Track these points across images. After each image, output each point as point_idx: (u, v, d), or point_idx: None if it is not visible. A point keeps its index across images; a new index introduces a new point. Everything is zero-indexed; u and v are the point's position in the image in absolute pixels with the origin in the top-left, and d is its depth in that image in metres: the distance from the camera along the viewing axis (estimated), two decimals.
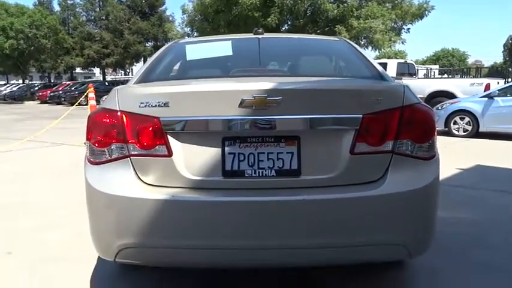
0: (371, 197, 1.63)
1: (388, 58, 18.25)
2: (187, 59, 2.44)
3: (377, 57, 19.81)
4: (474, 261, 2.46)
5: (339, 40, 2.74)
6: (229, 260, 1.71)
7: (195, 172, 1.66)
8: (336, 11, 15.72)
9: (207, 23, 19.21)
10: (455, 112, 8.78)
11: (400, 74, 12.17)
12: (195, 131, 1.67)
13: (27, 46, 28.17)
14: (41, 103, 26.55)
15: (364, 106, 1.67)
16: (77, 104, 10.52)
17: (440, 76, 20.87)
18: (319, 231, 1.63)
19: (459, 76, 19.60)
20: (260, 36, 2.65)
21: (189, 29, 21.58)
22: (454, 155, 6.05)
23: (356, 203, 1.63)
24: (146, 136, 1.67)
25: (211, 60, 2.41)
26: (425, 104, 1.81)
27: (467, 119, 8.62)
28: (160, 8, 35.42)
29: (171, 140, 1.66)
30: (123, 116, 1.69)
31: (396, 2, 17.08)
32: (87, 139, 1.79)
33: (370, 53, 14.23)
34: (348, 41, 2.72)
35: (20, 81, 39.89)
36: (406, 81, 10.92)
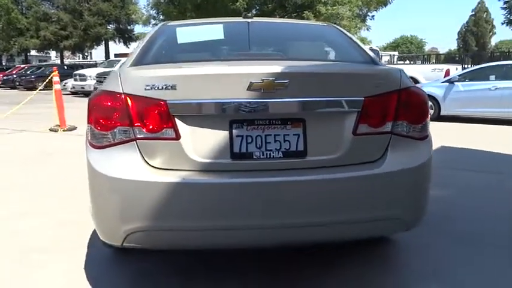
0: (373, 176, 1.72)
1: None
2: (179, 42, 2.41)
3: None
4: (449, 231, 2.70)
5: (328, 26, 2.80)
6: (238, 241, 1.75)
7: (203, 155, 1.67)
8: None
9: (173, 6, 18.75)
10: None
11: None
12: (203, 114, 1.68)
13: None
14: None
15: (365, 89, 1.75)
16: (41, 87, 10.04)
17: (402, 62, 21.60)
18: (325, 209, 1.70)
19: (420, 62, 20.34)
20: (250, 20, 2.66)
21: (154, 11, 20.97)
22: None
23: (360, 181, 1.71)
24: (153, 119, 1.66)
25: (207, 43, 2.40)
26: (419, 88, 1.91)
27: (429, 103, 9.01)
28: None
29: (179, 123, 1.66)
30: (128, 98, 1.67)
31: None
32: (89, 122, 1.75)
33: None
34: (337, 26, 2.79)
35: None
36: None
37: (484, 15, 53.04)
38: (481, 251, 2.42)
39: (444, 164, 4.50)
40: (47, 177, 4.20)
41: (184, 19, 18.93)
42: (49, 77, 8.59)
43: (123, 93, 1.68)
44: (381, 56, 16.80)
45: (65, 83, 17.14)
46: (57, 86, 7.80)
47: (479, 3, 53.11)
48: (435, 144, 2.00)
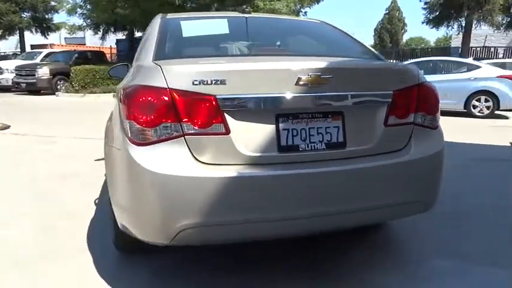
0: (403, 163, 1.88)
1: None
2: (188, 35, 2.36)
3: None
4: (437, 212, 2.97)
5: (321, 22, 2.92)
6: (286, 231, 1.81)
7: (252, 149, 1.70)
8: None
9: None
10: None
11: None
12: (251, 109, 1.70)
13: None
14: None
15: (393, 83, 1.90)
16: None
17: None
18: (363, 196, 1.82)
19: None
20: (247, 15, 2.68)
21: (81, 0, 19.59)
22: None
23: (392, 168, 1.86)
24: (202, 114, 1.65)
25: (225, 37, 2.40)
26: (430, 82, 2.11)
27: None
28: None
29: (228, 118, 1.67)
30: (174, 94, 1.64)
31: None
32: (128, 119, 1.68)
33: None
34: (328, 23, 2.92)
35: None
36: None
37: (397, 14, 57.10)
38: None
39: None
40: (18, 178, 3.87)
41: (114, 9, 17.96)
42: None
43: (169, 88, 1.64)
44: None
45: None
46: None
47: (392, 2, 57.05)
48: None
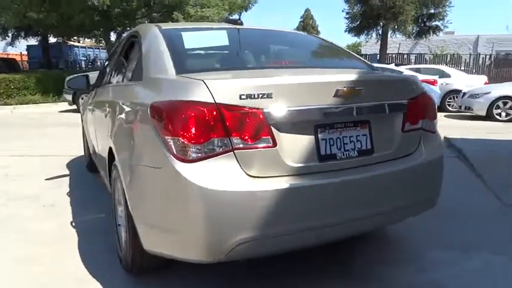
0: (418, 165, 2.05)
1: None
2: (192, 46, 2.32)
3: None
4: None
5: (306, 34, 3.04)
6: (331, 236, 1.87)
7: (295, 159, 1.74)
8: None
9: None
10: None
11: None
12: (294, 120, 1.73)
13: None
14: None
15: (407, 93, 2.07)
16: None
17: None
18: (391, 197, 1.96)
19: None
20: (239, 27, 2.71)
21: None
22: None
23: (410, 171, 2.02)
24: (250, 128, 1.65)
25: (234, 49, 2.39)
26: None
27: None
28: None
29: (274, 131, 1.69)
30: (222, 109, 1.62)
31: None
32: (173, 135, 1.62)
33: None
34: (314, 35, 3.05)
35: None
36: None
37: (311, 22, 60.02)
38: None
39: None
40: None
41: (26, 13, 16.43)
42: None
43: (216, 103, 1.62)
44: None
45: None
46: None
47: (306, 11, 60.04)
48: None
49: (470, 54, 17.90)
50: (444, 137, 6.63)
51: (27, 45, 25.12)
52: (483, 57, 17.65)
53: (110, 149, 2.33)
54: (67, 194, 3.88)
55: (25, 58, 26.55)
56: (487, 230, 2.88)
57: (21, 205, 3.54)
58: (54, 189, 4.04)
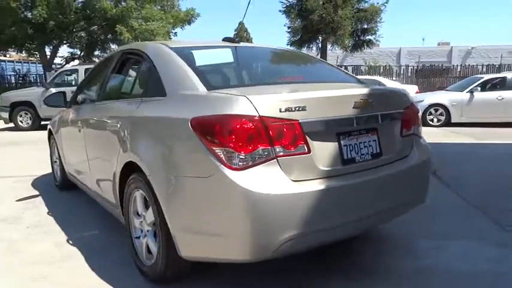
0: (414, 166, 2.38)
1: None
2: (202, 64, 2.45)
3: None
4: None
5: (295, 50, 3.31)
6: (356, 230, 2.13)
7: (325, 164, 1.97)
8: (114, 10, 15.19)
9: None
10: None
11: None
12: (322, 129, 1.97)
13: None
14: None
15: (402, 103, 2.40)
16: None
17: None
18: (396, 194, 2.26)
19: None
20: (238, 45, 2.92)
21: None
22: None
23: (409, 170, 2.34)
24: (290, 138, 1.86)
25: (243, 66, 2.57)
26: None
27: None
28: None
29: (308, 139, 1.91)
30: (265, 121, 1.81)
31: (166, 7, 17.97)
32: (224, 146, 1.78)
33: None
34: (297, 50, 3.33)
35: None
36: None
37: (245, 34, 61.24)
38: None
39: None
40: None
41: None
42: None
43: (260, 116, 1.81)
44: None
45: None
46: None
47: (239, 24, 61.25)
48: None
49: (400, 66, 19.56)
50: None
51: None
52: (411, 68, 19.40)
53: (128, 163, 2.39)
54: (48, 213, 3.76)
55: None
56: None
57: (2, 227, 3.39)
58: (31, 209, 3.89)
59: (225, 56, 2.67)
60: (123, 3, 15.66)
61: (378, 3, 17.26)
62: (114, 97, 3.04)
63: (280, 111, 1.84)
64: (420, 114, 2.74)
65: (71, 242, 3.04)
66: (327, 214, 1.93)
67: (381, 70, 19.32)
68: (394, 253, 2.75)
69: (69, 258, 2.74)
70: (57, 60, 21.34)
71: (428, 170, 2.58)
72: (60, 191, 4.54)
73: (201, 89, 2.09)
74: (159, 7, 17.66)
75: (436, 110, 10.89)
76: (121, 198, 2.62)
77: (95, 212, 3.69)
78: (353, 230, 2.16)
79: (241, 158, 1.78)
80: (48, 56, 18.34)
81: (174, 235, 2.03)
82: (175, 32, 20.21)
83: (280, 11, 17.44)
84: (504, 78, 11.23)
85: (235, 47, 2.84)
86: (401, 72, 19.45)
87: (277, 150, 1.83)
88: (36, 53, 18.82)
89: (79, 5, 16.16)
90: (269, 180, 1.80)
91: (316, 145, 1.94)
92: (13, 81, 21.98)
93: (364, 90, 2.17)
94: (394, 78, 17.35)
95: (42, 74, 20.52)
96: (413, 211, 2.54)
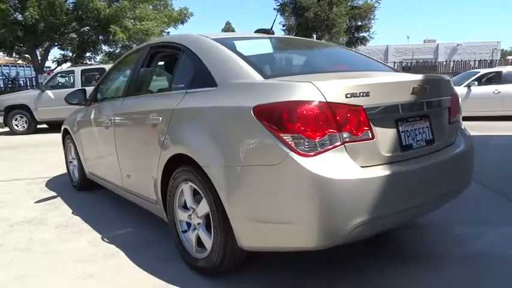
0: (462, 152, 2.39)
1: None
2: (248, 54, 2.43)
3: None
4: None
5: (330, 43, 3.32)
6: (418, 214, 2.16)
7: (386, 150, 1.97)
8: (108, 10, 14.98)
9: None
10: None
11: None
12: (384, 115, 1.97)
13: None
14: None
15: (449, 90, 2.42)
16: None
17: None
18: (448, 180, 2.28)
19: None
20: (273, 36, 2.91)
21: None
22: None
23: (458, 157, 2.36)
24: (355, 123, 1.85)
25: (287, 56, 2.56)
26: None
27: None
28: None
29: (371, 125, 1.91)
30: (332, 107, 1.81)
31: (159, 6, 17.83)
32: (293, 132, 1.77)
33: None
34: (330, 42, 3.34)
35: None
36: None
37: None
38: None
39: None
40: None
41: None
42: None
43: (327, 102, 1.80)
44: None
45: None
46: None
47: (226, 24, 61.45)
48: None
49: (394, 62, 19.79)
50: None
51: None
52: (404, 65, 19.63)
53: (173, 157, 2.36)
54: (72, 213, 3.70)
55: None
56: None
57: (31, 229, 3.32)
58: (53, 210, 3.82)
59: (266, 46, 2.65)
60: (116, 3, 15.45)
61: (371, 0, 17.43)
62: (148, 91, 3.00)
63: (346, 96, 1.84)
64: None
65: (106, 240, 2.99)
66: (393, 199, 1.93)
67: None
68: (436, 239, 2.77)
69: (110, 256, 2.70)
70: (47, 63, 21.04)
71: (473, 155, 2.60)
72: (78, 191, 4.47)
73: (257, 77, 2.07)
74: (151, 7, 17.48)
75: None
76: (162, 193, 2.58)
77: (120, 210, 3.66)
78: (414, 215, 2.19)
79: (311, 144, 1.77)
80: (40, 59, 18.04)
81: (234, 225, 2.00)
82: (168, 32, 20.05)
83: (274, 9, 17.46)
84: (500, 73, 11.40)
85: (273, 37, 2.84)
86: (397, 68, 19.70)
87: (344, 136, 1.83)
88: (27, 55, 18.49)
89: (70, 6, 15.90)
90: (339, 165, 1.79)
91: (378, 131, 1.94)
92: (2, 85, 21.56)
93: (420, 77, 2.17)
94: None
95: (32, 77, 20.19)
96: None
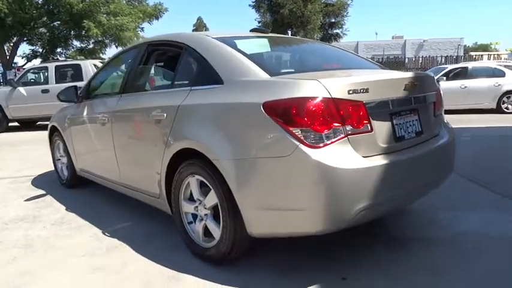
0: (446, 142, 2.61)
1: None
2: (251, 52, 2.55)
3: None
4: None
5: (316, 40, 3.48)
6: (411, 200, 2.40)
7: (383, 141, 2.15)
8: (81, 5, 14.60)
9: None
10: None
11: None
12: (380, 110, 2.14)
13: None
14: None
15: (434, 86, 2.64)
16: None
17: None
18: (436, 168, 2.49)
19: None
20: (269, 35, 3.04)
21: None
22: None
23: (443, 147, 2.58)
24: (357, 117, 2.02)
25: (287, 55, 2.69)
26: None
27: None
28: None
29: (370, 119, 2.08)
30: (337, 102, 1.97)
31: (133, 1, 17.55)
32: (302, 126, 1.91)
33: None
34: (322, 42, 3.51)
35: None
36: None
37: (204, 30, 61.18)
38: None
39: None
40: None
41: None
42: None
43: (332, 97, 1.96)
44: None
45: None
46: None
47: (198, 19, 60.94)
48: None
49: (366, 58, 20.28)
50: None
51: None
52: (376, 61, 20.10)
53: (178, 151, 2.46)
54: (66, 210, 3.72)
55: None
56: None
57: (26, 226, 3.33)
58: (46, 208, 3.82)
59: (264, 45, 2.78)
60: None
61: None
62: (148, 88, 3.06)
63: (348, 93, 2.00)
64: None
65: (107, 234, 3.05)
66: (391, 186, 2.11)
67: None
68: (423, 224, 3.00)
69: (114, 249, 2.77)
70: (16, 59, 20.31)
71: (455, 145, 2.83)
72: (68, 188, 4.46)
73: (264, 75, 2.20)
74: (125, 1, 17.20)
75: None
76: (166, 187, 2.67)
77: (115, 205, 3.71)
78: (408, 200, 2.43)
79: (319, 137, 1.92)
80: (8, 55, 17.42)
81: (245, 215, 2.13)
82: (143, 27, 19.80)
83: (250, 5, 17.57)
84: (466, 68, 11.99)
85: (270, 37, 2.97)
86: None
87: (347, 129, 1.99)
88: None
89: (40, 0, 15.42)
90: (344, 156, 1.95)
91: (376, 124, 2.11)
92: None
93: (411, 74, 2.37)
94: None
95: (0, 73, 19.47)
96: None
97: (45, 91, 10.38)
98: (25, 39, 17.56)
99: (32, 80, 11.75)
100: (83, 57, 16.43)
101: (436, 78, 10.02)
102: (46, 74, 11.12)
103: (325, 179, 1.91)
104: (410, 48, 31.03)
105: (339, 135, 1.97)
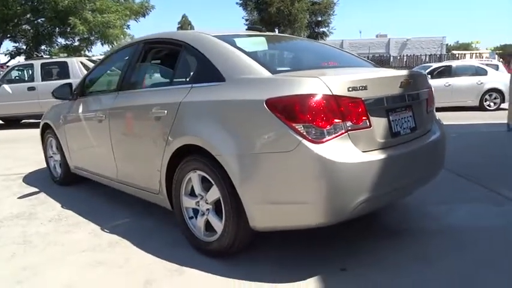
0: (438, 137, 2.73)
1: None
2: (251, 50, 2.60)
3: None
4: None
5: (311, 39, 3.56)
6: (407, 192, 2.48)
7: (380, 136, 2.24)
8: (66, 1, 14.37)
9: None
10: None
11: None
12: (377, 106, 2.23)
13: None
14: None
15: (426, 84, 2.74)
16: None
17: None
18: (429, 162, 2.60)
19: None
20: (265, 34, 3.11)
21: None
22: None
23: (435, 142, 2.69)
24: (356, 114, 2.10)
25: (285, 53, 2.76)
26: None
27: None
28: None
29: (368, 115, 2.17)
30: (338, 99, 2.05)
31: None
32: (304, 122, 1.98)
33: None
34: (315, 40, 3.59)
35: None
36: None
37: (189, 27, 60.79)
38: None
39: None
40: None
41: None
42: None
43: (333, 94, 2.04)
44: None
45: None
46: None
47: (183, 17, 60.61)
48: None
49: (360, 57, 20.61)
50: None
51: None
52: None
53: (179, 148, 2.50)
54: (62, 207, 3.72)
55: None
56: None
57: (23, 223, 3.33)
58: (41, 205, 3.82)
59: (262, 43, 2.84)
60: None
61: None
62: (145, 86, 3.09)
63: (348, 90, 2.08)
64: None
65: (107, 230, 3.07)
66: (388, 179, 2.20)
67: None
68: (414, 217, 3.11)
69: (115, 245, 2.80)
70: None
71: (446, 141, 2.94)
72: (61, 186, 4.45)
73: (265, 73, 2.26)
74: None
75: None
76: (167, 183, 2.71)
77: (111, 202, 3.73)
78: (404, 193, 2.53)
79: (321, 132, 2.00)
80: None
81: (248, 209, 2.19)
82: (129, 25, 19.61)
83: (237, 3, 17.58)
84: (449, 67, 12.28)
85: (268, 35, 3.03)
86: None
87: (347, 124, 2.07)
88: None
89: None
90: (345, 151, 2.04)
91: (373, 120, 2.20)
92: None
93: (406, 72, 2.47)
94: None
95: None
96: None
97: (31, 88, 10.22)
98: (8, 36, 17.22)
99: (17, 78, 11.56)
100: (66, 54, 16.19)
101: None
102: (32, 71, 10.93)
103: (327, 172, 1.99)
104: (394, 47, 31.55)
105: (339, 131, 2.05)
